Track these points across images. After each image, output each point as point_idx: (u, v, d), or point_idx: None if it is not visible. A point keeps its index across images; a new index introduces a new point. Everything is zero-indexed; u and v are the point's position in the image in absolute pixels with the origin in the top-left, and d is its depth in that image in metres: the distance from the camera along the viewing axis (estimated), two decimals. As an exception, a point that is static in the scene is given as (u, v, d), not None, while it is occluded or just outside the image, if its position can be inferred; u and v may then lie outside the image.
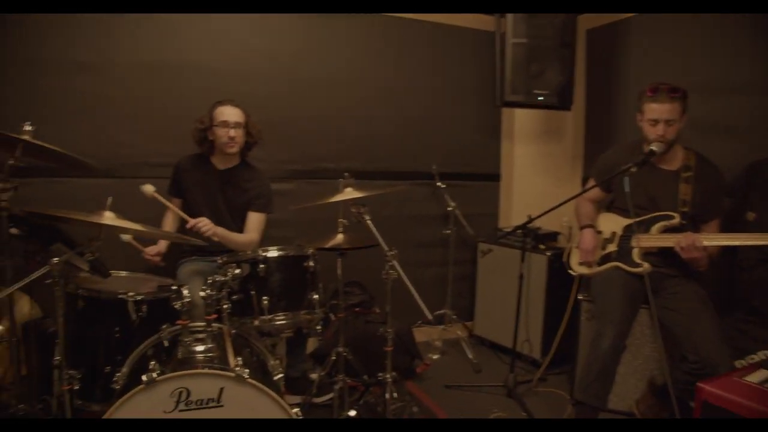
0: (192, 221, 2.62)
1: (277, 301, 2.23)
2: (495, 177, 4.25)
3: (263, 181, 3.00)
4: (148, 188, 2.51)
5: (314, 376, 2.87)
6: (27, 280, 1.86)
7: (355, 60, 3.70)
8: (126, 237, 2.45)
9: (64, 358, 1.92)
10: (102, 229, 1.90)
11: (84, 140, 2.99)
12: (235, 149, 2.86)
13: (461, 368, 3.60)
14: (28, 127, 2.08)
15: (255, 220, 2.93)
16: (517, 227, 2.98)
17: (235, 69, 3.34)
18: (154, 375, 1.71)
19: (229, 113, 2.83)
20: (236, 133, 2.81)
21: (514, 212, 4.25)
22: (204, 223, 2.62)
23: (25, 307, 2.96)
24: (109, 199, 1.94)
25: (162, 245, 2.84)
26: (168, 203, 2.70)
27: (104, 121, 3.10)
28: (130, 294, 2.23)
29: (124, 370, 2.05)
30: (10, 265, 2.16)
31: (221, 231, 2.71)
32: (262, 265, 2.22)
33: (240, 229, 2.91)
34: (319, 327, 2.51)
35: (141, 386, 1.70)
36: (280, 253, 2.32)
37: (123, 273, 2.55)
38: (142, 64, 3.13)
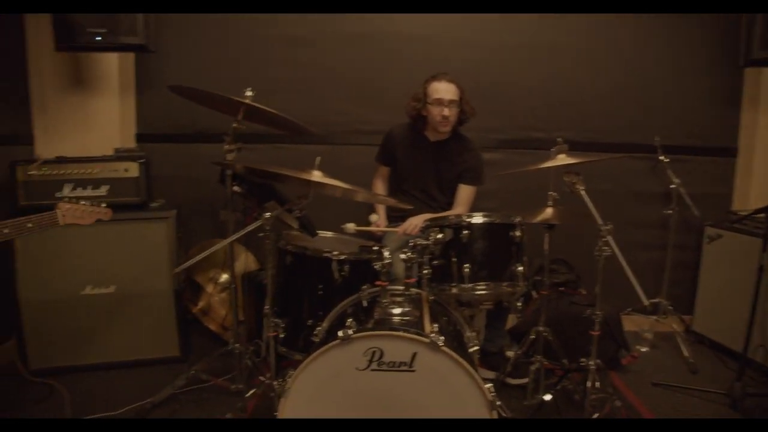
0: (401, 230, 2.64)
1: (478, 269, 2.15)
2: (731, 151, 3.68)
3: (475, 153, 2.94)
4: (350, 226, 2.56)
5: (510, 353, 2.77)
6: (242, 233, 2.01)
7: (564, 24, 3.44)
8: (350, 227, 2.53)
9: (272, 306, 2.05)
10: (311, 187, 1.99)
11: (299, 108, 3.15)
12: (448, 128, 2.82)
13: (673, 366, 3.21)
14: (249, 93, 2.24)
15: (465, 194, 2.89)
16: (759, 210, 2.55)
17: (445, 36, 3.30)
18: (350, 332, 1.75)
19: (444, 90, 2.79)
20: (450, 112, 2.77)
21: (753, 193, 3.65)
22: (412, 227, 2.63)
23: (245, 260, 3.29)
24: (318, 159, 2.02)
25: (381, 216, 2.92)
26: (372, 228, 2.74)
27: (318, 90, 3.28)
28: (335, 253, 2.33)
29: (324, 325, 2.14)
30: (233, 219, 2.37)
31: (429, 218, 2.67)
32: (465, 231, 2.15)
33: (446, 201, 2.90)
34: (519, 303, 2.40)
35: (337, 341, 1.76)
36: (486, 219, 2.22)
37: (329, 234, 2.67)
38: (355, 34, 3.23)
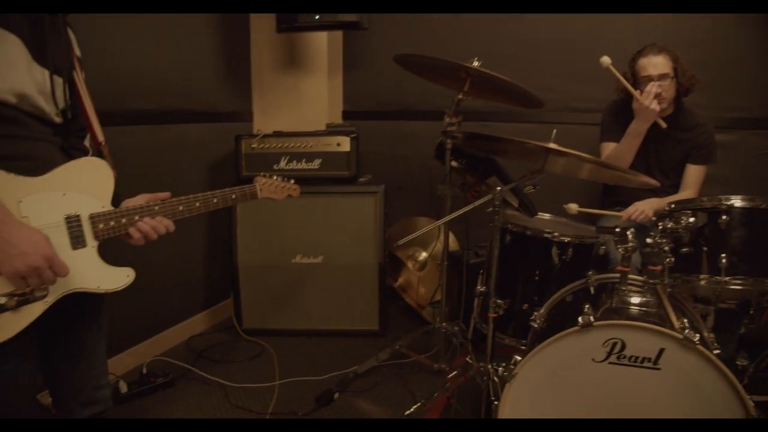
0: (626, 215, 2.40)
1: (738, 261, 1.87)
2: None
3: (706, 128, 2.56)
4: (573, 207, 2.36)
5: (743, 363, 2.44)
6: (467, 209, 1.94)
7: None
8: (572, 208, 2.36)
9: (494, 286, 1.96)
10: (545, 161, 1.85)
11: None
12: (664, 105, 2.49)
13: None
14: (476, 63, 2.15)
15: (695, 174, 2.56)
16: None
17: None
18: (591, 319, 1.61)
19: (653, 65, 2.47)
20: (662, 88, 2.43)
21: None
22: (639, 212, 2.39)
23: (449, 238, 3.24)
24: (554, 131, 1.88)
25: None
26: (597, 211, 2.51)
27: (529, 64, 3.13)
28: (556, 234, 2.18)
29: (542, 311, 2.01)
30: (449, 195, 2.32)
31: (656, 204, 2.42)
32: (724, 216, 1.88)
33: (670, 184, 2.60)
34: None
35: (575, 328, 1.62)
36: (748, 204, 1.93)
37: (546, 215, 2.53)
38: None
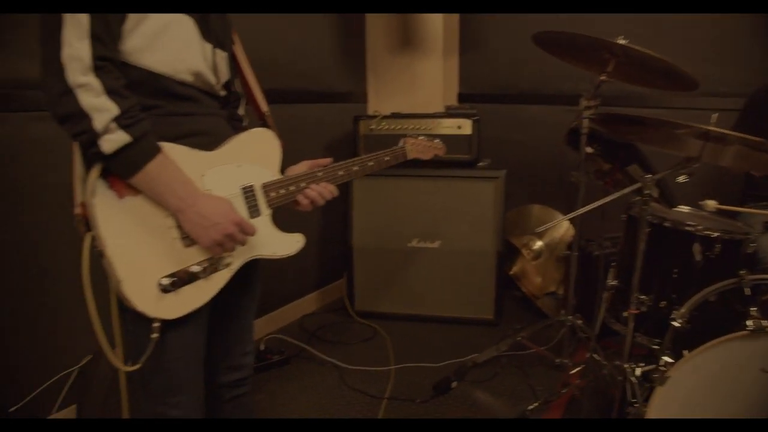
0: None
1: None
2: None
3: None
4: (710, 203, 2.16)
5: None
6: (612, 197, 1.82)
7: None
8: (710, 204, 2.17)
9: (638, 280, 1.84)
10: (704, 148, 1.70)
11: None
12: None
13: None
14: (621, 41, 2.00)
15: None
16: None
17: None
18: (763, 323, 1.47)
19: None
20: None
21: None
22: None
23: (564, 228, 3.11)
24: (715, 116, 1.71)
25: None
26: (740, 209, 2.29)
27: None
28: (700, 228, 2.01)
29: (683, 310, 1.86)
30: (584, 182, 2.19)
31: None
32: None
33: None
34: None
35: (743, 332, 1.49)
36: None
37: (685, 209, 2.35)
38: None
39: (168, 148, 1.14)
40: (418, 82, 3.49)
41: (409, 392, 2.38)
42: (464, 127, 2.88)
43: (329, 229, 3.22)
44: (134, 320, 1.17)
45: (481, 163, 2.94)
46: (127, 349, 1.25)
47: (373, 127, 2.97)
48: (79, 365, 2.07)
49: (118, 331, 1.24)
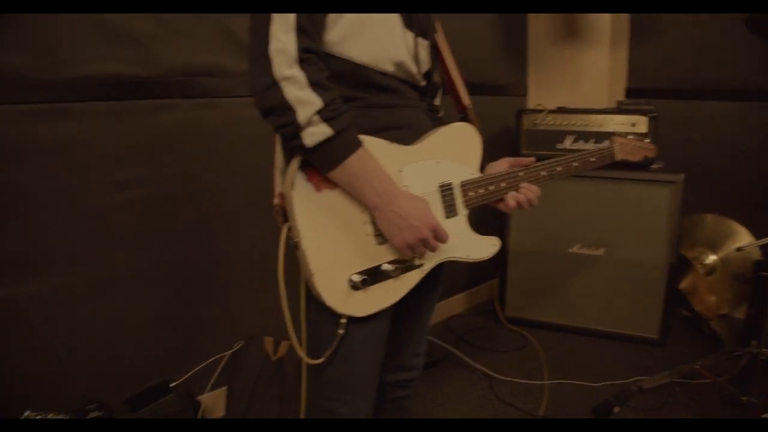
0: None
1: None
2: None
3: None
4: None
5: None
6: None
7: None
8: None
9: None
10: None
11: None
12: None
13: None
14: None
15: None
16: None
17: None
18: None
19: None
20: None
21: None
22: None
23: (740, 238, 2.80)
24: None
25: None
26: None
27: None
28: None
29: None
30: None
31: None
32: None
33: None
34: None
35: None
36: None
37: None
38: None
39: (367, 141, 1.10)
40: (583, 76, 3.28)
41: (565, 412, 2.22)
42: (639, 124, 2.63)
43: (484, 228, 3.08)
44: (320, 313, 1.15)
45: (654, 165, 2.68)
46: (309, 342, 1.22)
47: (537, 121, 2.81)
48: (232, 350, 2.12)
49: (304, 323, 1.21)
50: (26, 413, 1.69)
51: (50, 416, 1.70)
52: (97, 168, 1.78)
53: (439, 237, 1.16)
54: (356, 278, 1.12)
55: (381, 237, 1.15)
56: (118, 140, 1.81)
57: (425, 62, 1.28)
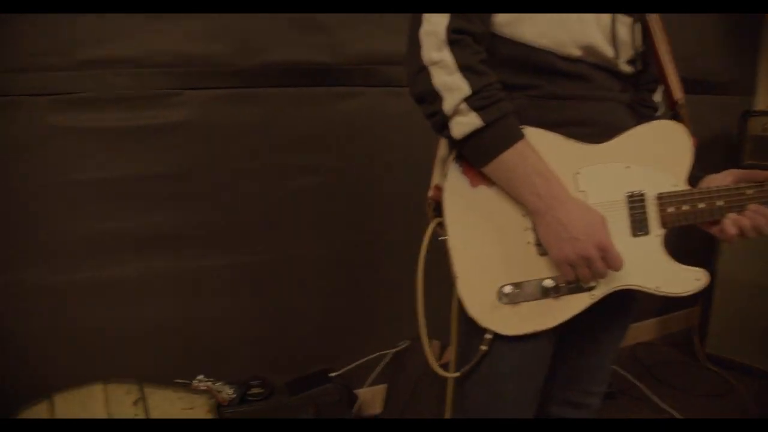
0: None
1: None
2: None
3: None
4: None
5: None
6: None
7: None
8: None
9: None
10: None
11: None
12: None
13: None
14: None
15: None
16: None
17: None
18: None
19: None
20: None
21: None
22: None
23: None
24: None
25: None
26: None
27: None
28: None
29: None
30: None
31: None
32: None
33: None
34: None
35: None
36: None
37: None
38: None
39: (536, 135, 0.97)
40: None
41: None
42: None
43: (686, 245, 2.72)
44: (467, 323, 1.04)
45: None
46: (457, 352, 1.13)
47: (768, 126, 2.40)
48: (396, 348, 2.09)
49: (455, 329, 1.11)
50: (199, 377, 1.83)
51: (218, 384, 1.83)
52: (277, 152, 1.87)
53: (610, 260, 0.95)
54: (507, 290, 0.99)
55: (543, 247, 1.00)
56: (299, 126, 1.88)
57: (627, 45, 1.06)
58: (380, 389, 2.12)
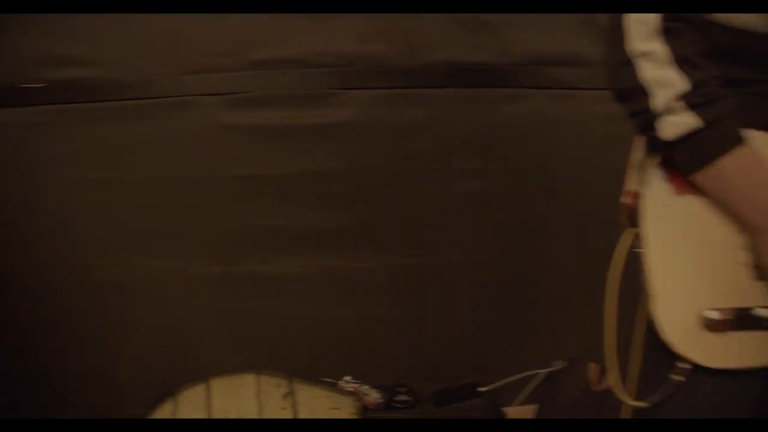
0: None
1: None
2: None
3: None
4: None
5: None
6: None
7: None
8: None
9: None
10: None
11: None
12: None
13: None
14: None
15: None
16: None
17: None
18: None
19: None
20: None
21: None
22: None
23: None
24: None
25: None
26: None
27: None
28: None
29: None
30: None
31: None
32: None
33: None
34: None
35: None
36: None
37: None
38: None
39: (761, 140, 0.84)
40: None
41: None
42: None
43: None
44: (658, 347, 0.92)
45: None
46: (639, 377, 1.01)
47: None
48: (550, 369, 1.98)
49: (638, 352, 1.01)
50: (346, 377, 1.84)
51: (364, 387, 1.83)
52: (439, 155, 1.83)
53: None
54: (712, 315, 0.87)
55: (761, 271, 0.86)
56: (463, 129, 1.84)
57: None
58: (529, 409, 2.01)
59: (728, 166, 0.82)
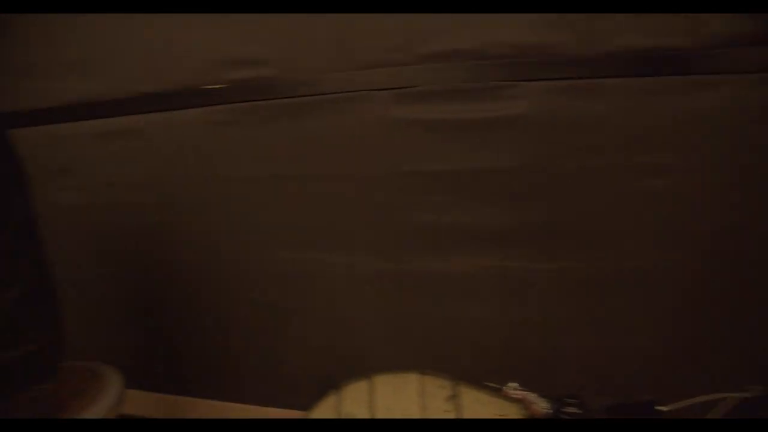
0: None
1: None
2: None
3: None
4: None
5: None
6: None
7: None
8: None
9: None
10: None
11: None
12: None
13: None
14: None
15: None
16: None
17: None
18: None
19: None
20: None
21: None
22: None
23: None
24: None
25: None
26: None
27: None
28: None
29: None
30: None
31: None
32: None
33: None
34: None
35: None
36: None
37: None
38: None
39: None
40: None
41: None
42: None
43: None
44: None
45: None
46: None
47: None
48: (743, 394, 1.76)
49: None
50: (511, 383, 1.76)
51: (531, 395, 1.74)
52: (622, 150, 1.68)
53: None
54: None
55: None
56: (649, 121, 1.66)
57: None
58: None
59: None
